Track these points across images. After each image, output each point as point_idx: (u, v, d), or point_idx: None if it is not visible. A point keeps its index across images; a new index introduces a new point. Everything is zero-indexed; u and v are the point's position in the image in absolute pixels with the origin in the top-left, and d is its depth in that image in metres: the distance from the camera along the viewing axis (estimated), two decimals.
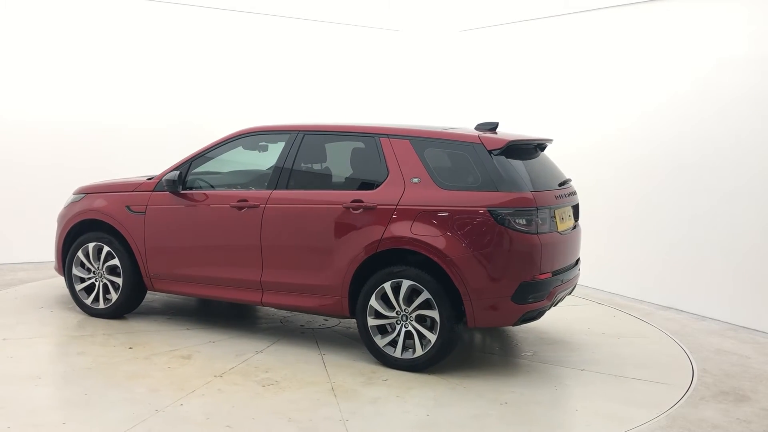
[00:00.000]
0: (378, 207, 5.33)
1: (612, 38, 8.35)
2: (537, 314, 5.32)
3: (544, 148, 5.97)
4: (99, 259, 6.41)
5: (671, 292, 7.60)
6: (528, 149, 5.68)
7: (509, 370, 5.47)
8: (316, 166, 5.95)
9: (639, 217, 7.97)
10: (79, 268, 6.50)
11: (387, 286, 5.26)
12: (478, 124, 5.80)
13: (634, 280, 8.00)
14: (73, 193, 6.84)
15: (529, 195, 5.12)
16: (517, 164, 5.32)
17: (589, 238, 8.54)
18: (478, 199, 5.10)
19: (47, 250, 8.72)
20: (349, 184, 5.70)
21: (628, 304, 7.67)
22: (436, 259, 5.12)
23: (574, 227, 5.81)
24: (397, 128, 5.64)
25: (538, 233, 5.12)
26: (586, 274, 8.47)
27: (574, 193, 5.85)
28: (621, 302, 7.77)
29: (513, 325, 5.32)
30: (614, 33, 8.33)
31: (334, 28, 10.42)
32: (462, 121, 10.56)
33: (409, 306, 5.24)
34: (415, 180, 5.31)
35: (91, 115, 8.95)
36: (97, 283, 6.44)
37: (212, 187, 6.19)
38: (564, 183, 5.75)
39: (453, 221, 5.13)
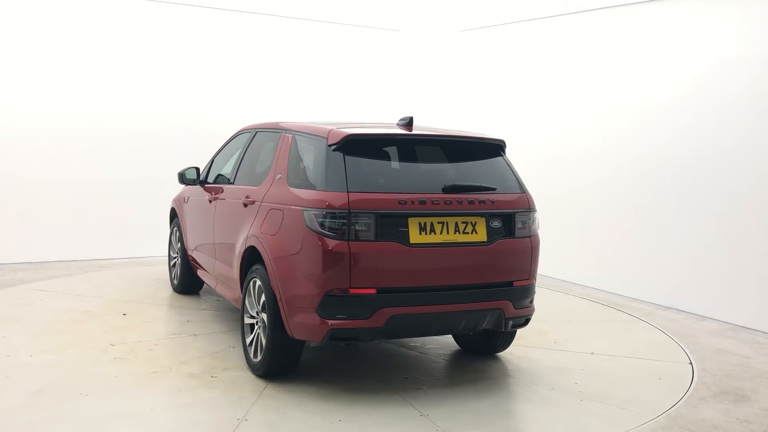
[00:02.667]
0: (255, 203, 5.28)
1: (612, 38, 8.35)
2: (359, 335, 4.54)
3: (492, 147, 5.20)
4: (178, 242, 7.38)
5: (671, 292, 7.60)
6: (413, 145, 5.12)
7: (374, 390, 4.88)
8: (249, 163, 5.94)
9: (639, 217, 7.97)
10: (172, 248, 7.63)
11: (250, 284, 5.12)
12: (399, 119, 5.30)
13: (634, 280, 8.00)
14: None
15: (340, 196, 4.46)
16: (365, 162, 4.74)
17: (590, 238, 8.57)
18: (299, 199, 4.72)
19: (47, 250, 8.78)
20: (254, 180, 5.62)
21: (628, 304, 7.67)
22: (264, 259, 4.89)
23: (489, 242, 4.78)
24: (294, 123, 5.42)
25: (349, 240, 4.43)
26: (586, 274, 8.54)
27: (484, 203, 4.79)
28: (621, 302, 7.77)
29: (324, 343, 4.63)
30: (614, 33, 8.33)
31: (334, 28, 10.42)
32: (460, 121, 10.58)
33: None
34: (278, 176, 5.13)
35: (91, 116, 8.96)
36: (178, 263, 7.42)
37: (214, 181, 6.58)
38: (459, 189, 4.78)
39: (282, 221, 4.83)
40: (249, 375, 5.07)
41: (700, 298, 7.33)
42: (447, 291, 4.68)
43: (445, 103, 10.82)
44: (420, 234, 4.59)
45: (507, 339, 5.59)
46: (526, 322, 5.10)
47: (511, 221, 4.90)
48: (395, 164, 5.04)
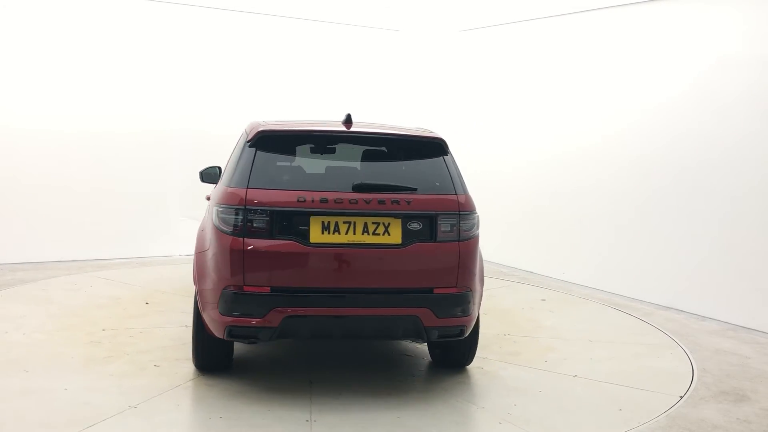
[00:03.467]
0: (210, 201, 5.32)
1: (612, 38, 8.35)
2: (256, 334, 4.46)
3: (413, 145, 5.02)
4: None
5: (671, 292, 7.60)
6: (327, 141, 4.95)
7: (291, 391, 4.82)
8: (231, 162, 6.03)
9: (639, 217, 7.97)
10: None
11: None
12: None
13: (634, 280, 8.00)
14: None
15: (239, 192, 4.46)
16: (277, 158, 4.75)
17: (590, 238, 8.57)
18: (216, 196, 4.82)
19: (47, 250, 8.78)
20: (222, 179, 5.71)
21: (628, 304, 7.67)
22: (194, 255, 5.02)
23: (403, 245, 4.50)
24: (252, 122, 5.37)
25: (244, 236, 4.39)
26: (586, 274, 8.54)
27: (398, 203, 4.52)
28: (621, 302, 7.76)
29: (226, 339, 4.56)
30: (614, 33, 8.33)
31: (334, 28, 10.42)
32: (461, 120, 10.58)
33: None
34: (223, 174, 5.23)
35: (91, 117, 8.95)
36: None
37: None
38: (370, 188, 4.57)
39: (206, 218, 4.99)
40: (191, 367, 5.15)
41: (700, 298, 7.32)
42: (350, 294, 4.46)
43: (445, 102, 10.82)
44: (322, 233, 4.43)
45: (465, 352, 5.23)
46: (462, 333, 4.69)
47: (433, 224, 4.57)
48: (309, 161, 4.91)
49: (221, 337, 4.54)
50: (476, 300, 4.82)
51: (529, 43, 9.49)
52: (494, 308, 7.12)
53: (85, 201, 8.97)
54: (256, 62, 9.93)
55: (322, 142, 4.95)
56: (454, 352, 5.28)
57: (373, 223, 4.48)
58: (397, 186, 4.64)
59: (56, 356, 5.35)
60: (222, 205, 4.51)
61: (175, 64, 9.41)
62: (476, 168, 10.05)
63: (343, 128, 4.95)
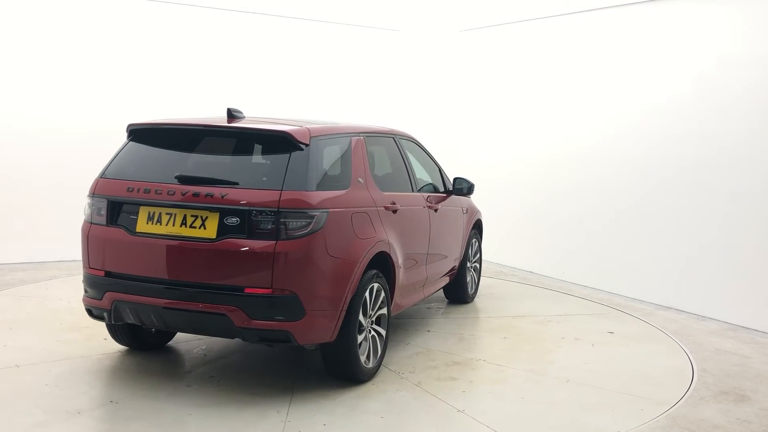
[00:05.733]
0: None
1: (612, 38, 8.35)
2: (101, 315, 4.74)
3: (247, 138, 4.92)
4: None
5: (671, 292, 7.60)
6: (189, 134, 5.01)
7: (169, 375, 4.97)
8: None
9: (639, 216, 7.97)
10: None
11: None
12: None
13: (634, 280, 8.00)
14: None
15: (94, 182, 4.87)
16: (139, 150, 4.92)
17: (589, 238, 8.57)
18: None
19: (47, 250, 8.77)
20: None
21: (628, 304, 7.67)
22: None
23: (216, 240, 4.39)
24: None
25: (91, 223, 4.80)
26: (586, 274, 8.54)
27: (211, 196, 4.44)
28: (621, 302, 7.77)
29: (92, 318, 4.88)
30: (614, 33, 8.33)
31: (334, 28, 10.42)
32: (461, 120, 10.57)
33: None
34: None
35: (90, 117, 8.94)
36: None
37: None
38: (189, 180, 4.56)
39: None
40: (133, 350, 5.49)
41: (700, 298, 7.33)
42: (165, 285, 4.51)
43: (445, 103, 10.82)
44: (147, 223, 4.58)
45: (343, 366, 4.82)
46: (288, 339, 4.40)
47: (248, 219, 4.38)
48: (162, 154, 4.96)
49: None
50: (320, 306, 4.50)
51: (529, 43, 9.50)
52: (529, 333, 6.41)
53: (86, 201, 8.96)
54: (257, 62, 9.92)
55: (181, 136, 5.04)
56: (330, 365, 4.91)
57: (192, 215, 4.49)
58: (214, 179, 4.58)
59: (52, 321, 6.06)
60: (88, 195, 4.89)
61: (175, 65, 9.41)
62: (476, 168, 10.05)
63: (204, 123, 5.01)
